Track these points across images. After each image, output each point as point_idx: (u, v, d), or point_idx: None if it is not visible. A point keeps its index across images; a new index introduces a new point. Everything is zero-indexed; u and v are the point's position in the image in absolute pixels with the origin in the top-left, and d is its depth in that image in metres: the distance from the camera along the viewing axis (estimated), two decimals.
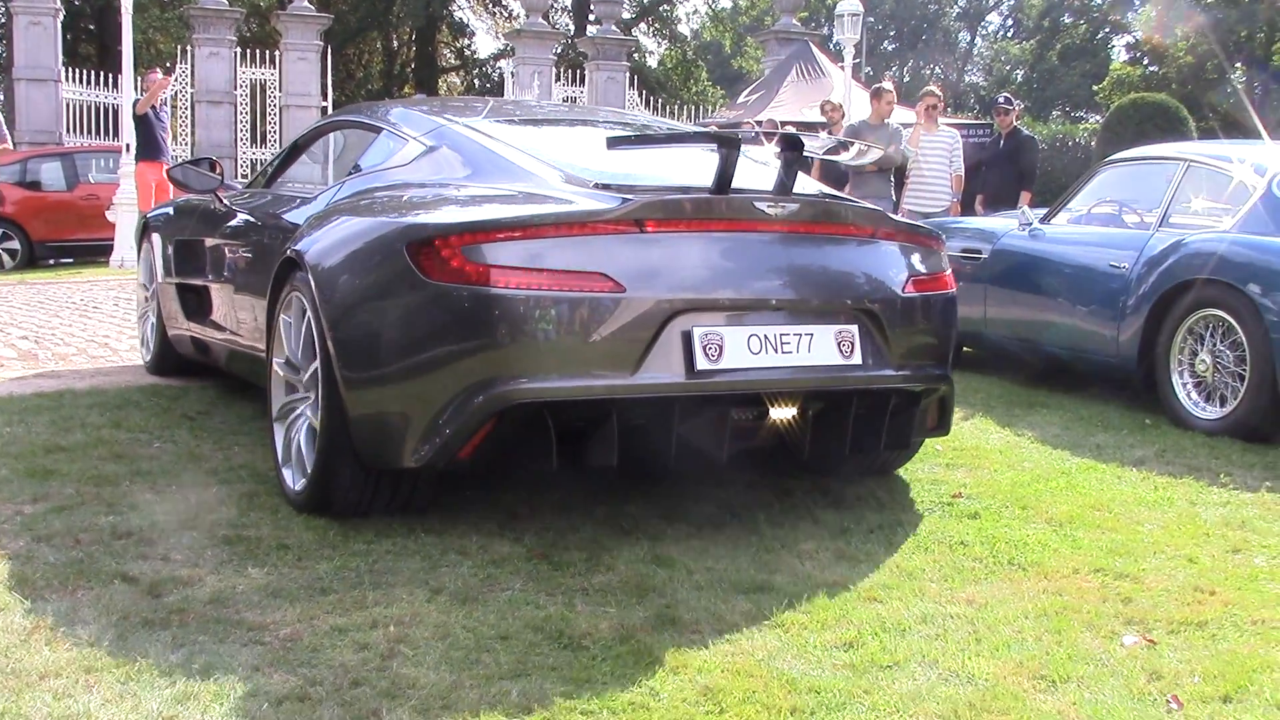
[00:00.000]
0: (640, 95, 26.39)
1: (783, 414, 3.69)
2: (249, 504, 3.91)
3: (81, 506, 3.82)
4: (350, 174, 4.62)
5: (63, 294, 10.63)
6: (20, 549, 3.41)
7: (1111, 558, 3.62)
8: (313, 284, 3.74)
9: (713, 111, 26.91)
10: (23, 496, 3.93)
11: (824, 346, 3.63)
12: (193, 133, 21.93)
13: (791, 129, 3.87)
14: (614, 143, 3.81)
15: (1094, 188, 7.05)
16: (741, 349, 3.49)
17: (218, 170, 5.60)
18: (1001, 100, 11.06)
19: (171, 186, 12.90)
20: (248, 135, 22.92)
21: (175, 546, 3.46)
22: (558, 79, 24.71)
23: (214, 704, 2.45)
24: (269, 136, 22.99)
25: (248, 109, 22.97)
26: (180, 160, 5.92)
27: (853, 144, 4.26)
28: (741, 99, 24.74)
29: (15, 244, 15.01)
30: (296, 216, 4.50)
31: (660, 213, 3.47)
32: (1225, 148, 6.64)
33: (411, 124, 4.58)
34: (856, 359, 3.67)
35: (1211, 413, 5.60)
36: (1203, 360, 5.67)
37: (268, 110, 23.09)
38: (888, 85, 10.17)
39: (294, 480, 3.88)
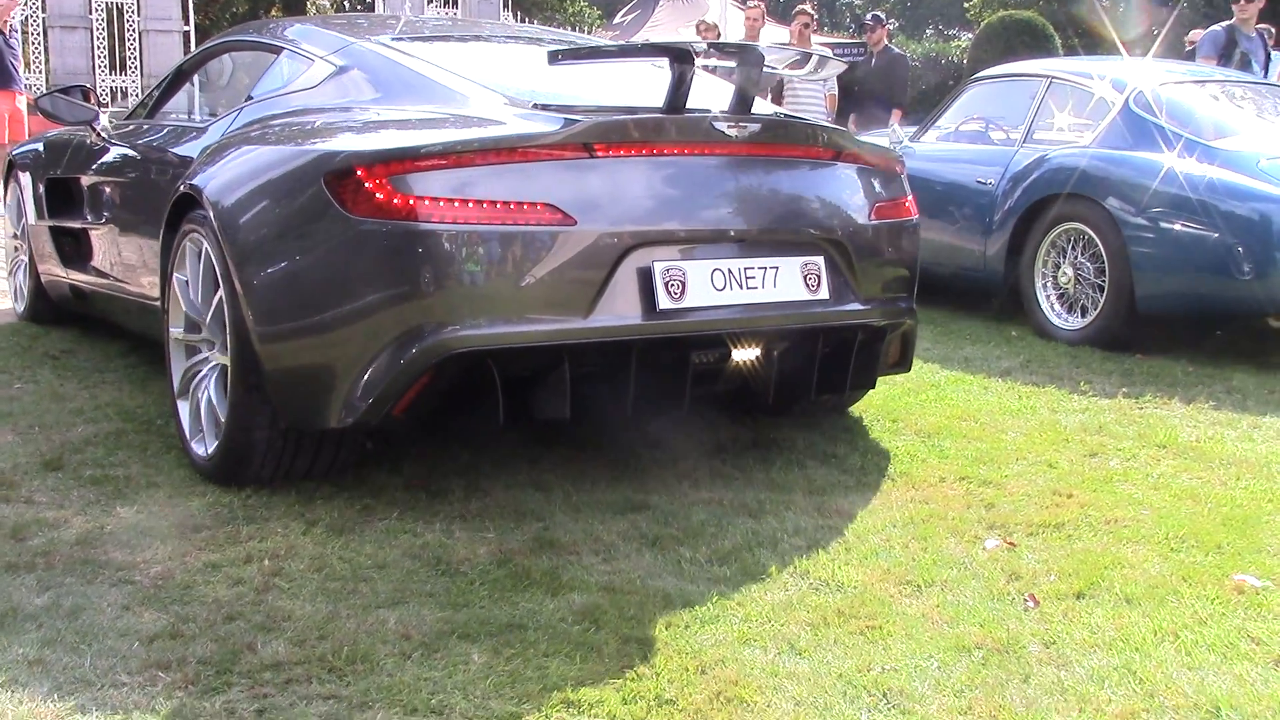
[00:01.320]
0: (515, 15, 25.94)
1: (746, 355, 3.42)
2: (116, 443, 3.81)
3: None
4: (248, 101, 4.15)
5: None
6: None
7: (976, 466, 3.74)
8: (215, 223, 3.35)
9: (589, 32, 26.60)
10: None
11: (790, 280, 3.36)
12: (46, 60, 20.96)
13: (751, 42, 3.61)
14: (556, 57, 3.41)
15: (961, 105, 7.17)
16: (705, 285, 3.21)
17: (92, 100, 5.12)
18: (869, 18, 11.15)
19: (25, 117, 12.50)
20: (106, 62, 22.00)
21: (39, 489, 3.38)
22: (429, 2, 24.14)
23: (82, 645, 2.41)
24: (129, 63, 22.08)
25: (105, 34, 22.02)
26: (49, 89, 5.32)
27: (811, 55, 3.90)
28: (618, 19, 24.52)
29: None
30: (189, 149, 4.10)
31: (612, 135, 3.14)
32: (1086, 64, 6.81)
33: (317, 42, 4.12)
34: (824, 293, 3.42)
35: (1073, 323, 5.80)
36: (1065, 273, 5.86)
37: (126, 35, 22.16)
38: (754, 2, 10.18)
39: (205, 448, 3.48)
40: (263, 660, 2.37)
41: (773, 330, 3.41)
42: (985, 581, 2.84)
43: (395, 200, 2.97)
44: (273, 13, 35.03)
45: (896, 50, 11.43)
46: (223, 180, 3.48)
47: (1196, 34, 9.59)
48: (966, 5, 35.06)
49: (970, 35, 29.84)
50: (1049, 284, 5.94)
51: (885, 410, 4.36)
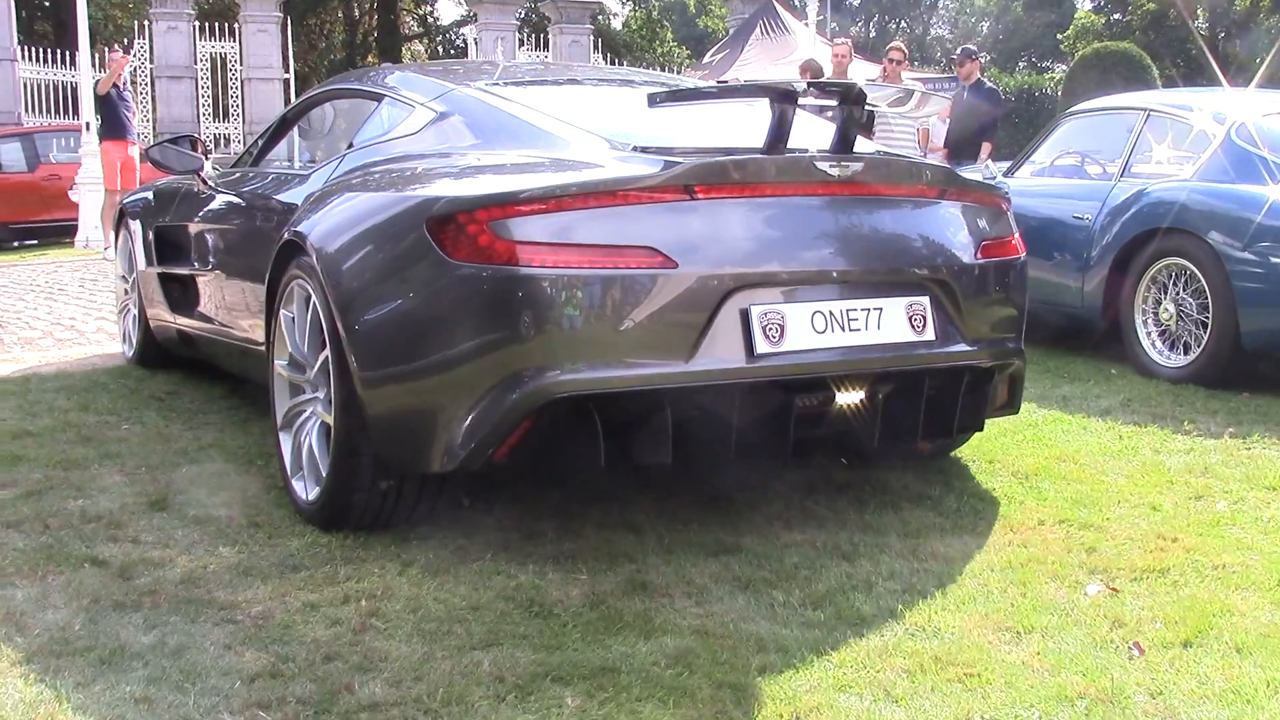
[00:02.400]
0: (605, 57, 26.25)
1: (850, 398, 3.32)
2: (219, 483, 3.90)
3: (50, 491, 3.81)
4: (350, 148, 4.20)
5: (27, 276, 10.53)
6: None
7: (1076, 508, 3.66)
8: (319, 269, 3.38)
9: (679, 73, 26.78)
10: None
11: (894, 322, 3.29)
12: (154, 109, 21.70)
13: (853, 81, 3.51)
14: (657, 99, 3.41)
15: (1057, 139, 7.08)
16: (805, 328, 3.15)
17: (200, 149, 5.20)
18: (959, 52, 11.06)
19: (138, 165, 12.93)
20: (210, 110, 22.69)
21: (145, 529, 3.46)
22: (522, 44, 24.55)
23: (186, 683, 2.46)
24: (231, 111, 22.76)
25: (209, 83, 22.73)
26: (157, 139, 5.48)
27: (913, 93, 3.87)
28: (707, 59, 24.64)
29: None
30: (293, 196, 4.18)
31: (713, 176, 3.10)
32: (1185, 96, 6.68)
33: (417, 89, 4.15)
34: (930, 334, 3.35)
35: (1176, 360, 5.66)
36: (1166, 309, 5.73)
37: (229, 84, 22.85)
38: (841, 40, 10.18)
39: (306, 490, 3.53)
40: (360, 701, 2.39)
41: (877, 373, 3.32)
42: (1088, 628, 2.77)
43: (496, 245, 2.96)
44: (369, 60, 35.88)
45: (989, 84, 11.32)
46: (326, 227, 3.51)
47: None
48: (1060, 37, 34.70)
49: (1064, 67, 29.50)
50: (1150, 320, 5.81)
51: (981, 451, 4.29)
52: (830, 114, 3.51)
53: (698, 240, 3.07)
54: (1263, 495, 3.82)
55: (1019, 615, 2.84)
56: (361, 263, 3.33)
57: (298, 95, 21.95)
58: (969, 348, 3.46)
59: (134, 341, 5.98)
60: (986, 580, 3.07)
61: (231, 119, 22.64)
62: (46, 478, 3.96)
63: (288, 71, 22.84)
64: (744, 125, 3.60)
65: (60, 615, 2.82)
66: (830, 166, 3.24)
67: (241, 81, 22.78)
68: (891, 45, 10.64)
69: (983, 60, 11.49)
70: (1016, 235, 3.77)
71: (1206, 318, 5.48)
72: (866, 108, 3.41)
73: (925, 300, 3.36)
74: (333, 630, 2.75)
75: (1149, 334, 5.81)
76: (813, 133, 3.69)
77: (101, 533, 3.42)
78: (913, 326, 3.32)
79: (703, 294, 3.04)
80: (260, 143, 5.28)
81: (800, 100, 3.27)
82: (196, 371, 5.60)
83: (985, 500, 3.74)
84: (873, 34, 47.48)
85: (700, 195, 3.08)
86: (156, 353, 5.78)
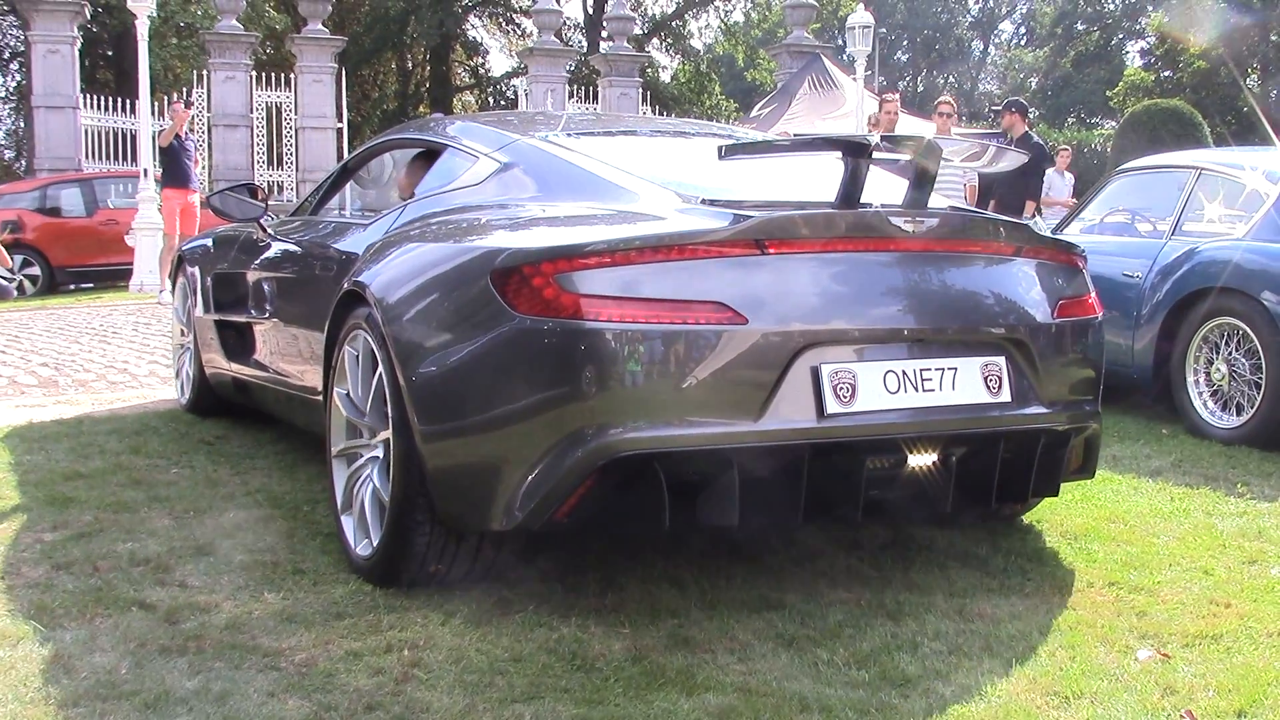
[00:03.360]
0: (654, 109, 26.47)
1: (922, 460, 3.21)
2: (265, 528, 3.93)
3: (100, 533, 3.86)
4: (411, 198, 4.18)
5: (82, 319, 10.72)
6: (39, 577, 3.44)
7: (1126, 571, 3.61)
8: (380, 321, 3.33)
9: (730, 124, 26.93)
10: (42, 524, 3.96)
11: (969, 382, 3.21)
12: (210, 156, 22.08)
13: (925, 136, 3.39)
14: (728, 152, 3.33)
15: (1106, 197, 7.05)
16: (877, 387, 3.08)
17: (260, 197, 5.20)
18: (1004, 104, 11.01)
19: (198, 212, 13.18)
20: (264, 158, 23.07)
21: (192, 573, 3.49)
22: (571, 96, 24.82)
23: None
24: (285, 158, 23.13)
25: (264, 131, 23.12)
26: (216, 188, 5.38)
27: (989, 147, 3.67)
28: (755, 112, 24.76)
29: (36, 270, 15.16)
30: (353, 245, 4.12)
31: (784, 231, 3.04)
32: (1237, 155, 6.63)
33: (480, 139, 4.10)
34: (1005, 395, 3.25)
35: (1228, 421, 5.59)
36: (1218, 369, 5.66)
37: (284, 132, 23.23)
38: (890, 97, 10.21)
39: (357, 541, 3.49)
40: None
41: (951, 435, 3.22)
42: (1138, 695, 2.72)
43: (561, 298, 2.90)
44: (421, 110, 36.37)
45: (1036, 138, 11.29)
46: (388, 277, 3.46)
47: None
48: (1109, 94, 34.61)
49: (1114, 124, 29.40)
50: (1201, 380, 5.75)
51: (1030, 511, 4.24)
52: (902, 168, 3.46)
53: (768, 296, 3.00)
54: None
55: (1068, 680, 2.79)
56: (423, 314, 3.28)
57: (350, 144, 22.33)
58: (1045, 410, 3.36)
59: (189, 388, 5.95)
60: (1034, 643, 3.03)
61: (285, 166, 23.00)
62: (96, 520, 4.01)
63: (341, 121, 23.18)
64: (811, 179, 3.57)
65: (107, 659, 2.85)
66: (905, 222, 3.18)
67: (296, 130, 23.15)
68: (940, 100, 10.67)
69: (1032, 115, 11.45)
70: (1093, 294, 3.69)
71: (1259, 378, 5.41)
72: (942, 162, 3.33)
73: (1001, 360, 3.28)
74: (375, 680, 2.75)
75: (1200, 394, 5.74)
76: (884, 188, 3.63)
77: (149, 576, 3.45)
78: (988, 387, 3.23)
79: (773, 351, 2.97)
80: (320, 191, 5.27)
81: (874, 155, 3.22)
82: (246, 417, 5.66)
83: (1033, 561, 3.69)
84: (920, 89, 47.62)
85: (771, 250, 3.02)
86: (212, 400, 5.76)
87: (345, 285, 3.65)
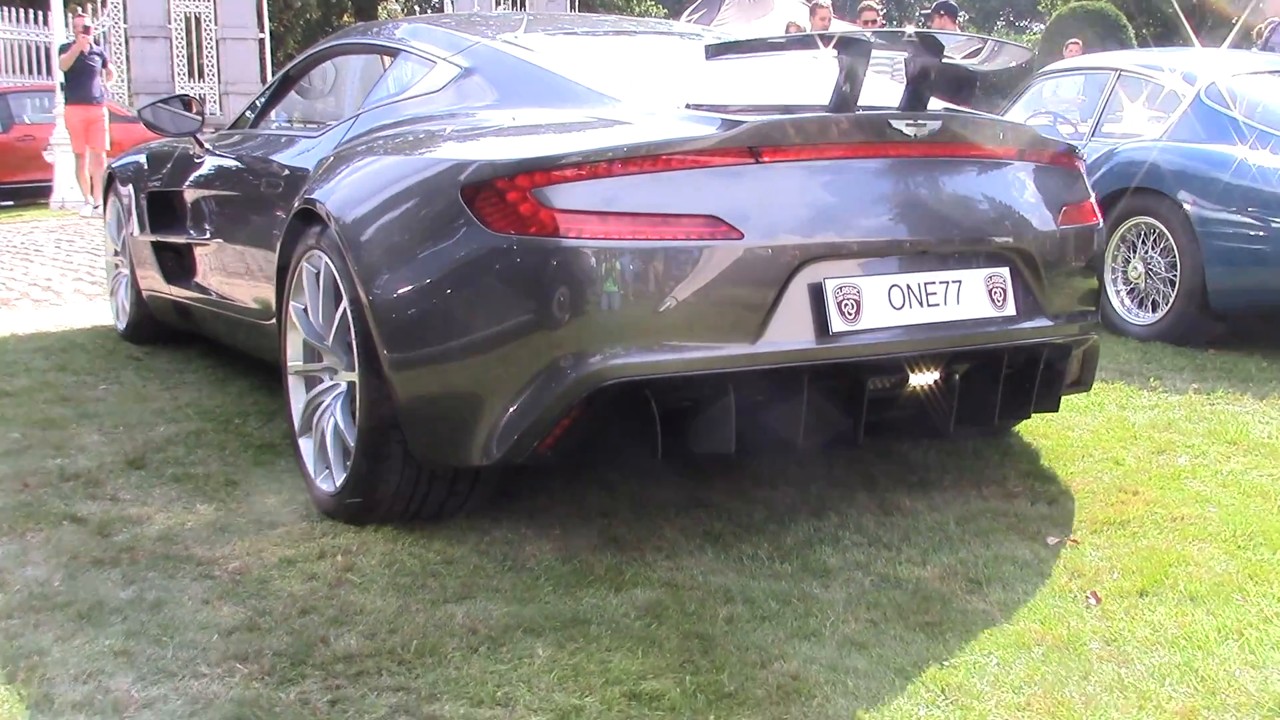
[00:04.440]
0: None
1: (925, 379, 3.07)
2: (196, 442, 3.94)
3: (29, 450, 3.84)
4: (364, 107, 3.86)
5: (3, 238, 10.48)
6: None
7: (1041, 463, 3.74)
8: (340, 241, 3.09)
9: None
10: None
11: (974, 296, 3.03)
12: (128, 69, 21.46)
13: (925, 29, 3.15)
14: (715, 51, 3.10)
15: (1029, 99, 7.12)
16: (882, 303, 2.89)
17: (194, 109, 4.82)
18: (928, 9, 11.02)
19: (106, 126, 12.88)
20: (184, 70, 22.48)
21: (123, 487, 3.50)
22: (498, 3, 24.36)
23: (164, 637, 2.51)
24: (206, 70, 22.55)
25: (183, 43, 22.50)
26: (140, 99, 4.90)
27: (988, 42, 3.43)
28: (685, 18, 24.49)
29: None
30: (302, 160, 3.85)
31: (780, 137, 2.83)
32: (1156, 56, 6.72)
33: (436, 43, 3.79)
34: (1010, 309, 3.09)
35: (1144, 318, 5.74)
36: (1135, 267, 5.80)
37: (204, 43, 22.63)
38: (824, 1, 10.15)
39: (318, 472, 3.30)
40: (335, 653, 2.45)
41: (955, 352, 3.07)
42: (1047, 578, 2.85)
43: (540, 214, 2.69)
44: (345, 19, 35.52)
45: None
46: (347, 194, 3.24)
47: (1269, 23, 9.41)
48: None
49: (1042, 26, 29.47)
50: (1119, 279, 5.89)
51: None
52: (897, 67, 3.25)
53: (764, 208, 2.80)
54: (1223, 450, 3.90)
55: (981, 566, 2.91)
56: (386, 234, 3.05)
57: (273, 55, 21.81)
58: (1050, 323, 3.21)
59: (127, 312, 5.64)
60: (950, 533, 3.14)
61: (206, 79, 22.43)
62: (24, 437, 3.98)
63: (263, 31, 22.61)
64: (796, 82, 3.41)
65: (39, 571, 2.87)
66: (906, 125, 2.96)
67: (216, 41, 22.55)
68: (864, 4, 10.62)
69: (961, 19, 11.44)
70: (1093, 199, 3.52)
71: (1175, 276, 5.56)
72: (943, 59, 3.10)
73: (1005, 272, 3.11)
74: (309, 585, 2.80)
75: (1118, 292, 5.88)
76: (882, 88, 3.41)
77: (80, 491, 3.46)
78: (993, 301, 3.07)
79: (771, 267, 2.77)
80: (260, 103, 4.96)
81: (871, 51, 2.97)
82: (174, 332, 5.59)
83: (951, 456, 3.81)
84: None
85: (766, 158, 2.82)
86: (151, 326, 5.48)
87: (298, 203, 3.43)
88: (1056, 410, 3.51)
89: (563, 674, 2.37)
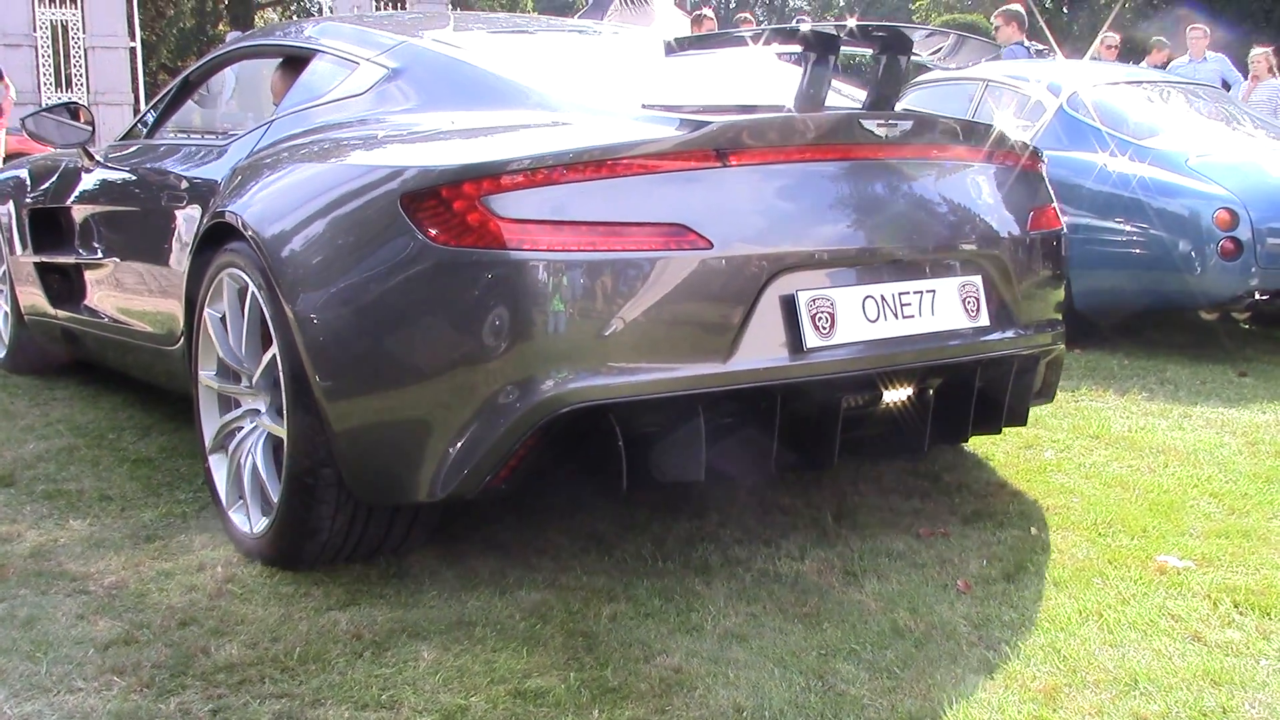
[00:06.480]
0: None
1: (900, 395, 2.91)
2: (68, 458, 3.85)
3: None
4: (278, 113, 3.55)
5: None
6: None
7: (915, 460, 3.85)
8: (263, 256, 2.81)
9: None
10: None
11: (948, 306, 2.90)
12: None
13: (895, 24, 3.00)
14: (675, 46, 2.89)
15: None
16: (856, 316, 2.74)
17: (84, 118, 4.46)
18: (800, 21, 11.26)
19: None
20: (51, 80, 21.84)
21: None
22: (378, 9, 24.16)
23: (38, 653, 2.46)
24: (75, 80, 21.94)
25: (49, 51, 21.86)
26: (38, 109, 4.40)
27: (956, 37, 3.19)
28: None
29: None
30: (209, 171, 3.55)
31: (749, 138, 2.64)
32: (1022, 67, 6.97)
33: (358, 43, 3.51)
34: (983, 319, 2.97)
35: None
36: None
37: (72, 52, 22.01)
38: (708, 12, 10.30)
39: (249, 521, 2.99)
40: (216, 663, 2.42)
41: (931, 365, 2.91)
42: (920, 569, 2.95)
43: (490, 224, 2.46)
44: (221, 27, 34.83)
45: None
46: (267, 207, 2.97)
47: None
48: (913, 7, 35.50)
49: None
50: None
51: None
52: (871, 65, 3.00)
53: (733, 215, 2.62)
54: (1087, 444, 4.06)
55: (856, 559, 3.00)
56: (317, 249, 2.77)
57: (145, 64, 21.30)
58: (1023, 332, 3.10)
59: (6, 341, 5.24)
60: (826, 528, 3.23)
61: (75, 89, 21.82)
62: None
63: (134, 40, 22.09)
64: (758, 80, 3.30)
65: None
66: (878, 126, 2.80)
67: (85, 50, 21.96)
68: (740, 16, 10.80)
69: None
70: (1055, 202, 3.40)
71: None
72: (911, 57, 2.96)
73: (978, 280, 2.99)
74: (188, 597, 2.77)
75: None
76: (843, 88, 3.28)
77: None
78: (967, 311, 2.94)
79: (743, 279, 2.59)
80: (156, 110, 4.58)
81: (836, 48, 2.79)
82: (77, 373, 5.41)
83: None
84: (732, 4, 47.88)
85: (734, 161, 2.63)
86: (35, 353, 5.07)
87: (208, 219, 3.17)
88: (1025, 424, 3.35)
89: (448, 675, 2.38)
